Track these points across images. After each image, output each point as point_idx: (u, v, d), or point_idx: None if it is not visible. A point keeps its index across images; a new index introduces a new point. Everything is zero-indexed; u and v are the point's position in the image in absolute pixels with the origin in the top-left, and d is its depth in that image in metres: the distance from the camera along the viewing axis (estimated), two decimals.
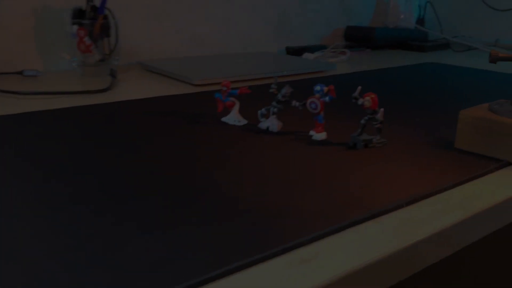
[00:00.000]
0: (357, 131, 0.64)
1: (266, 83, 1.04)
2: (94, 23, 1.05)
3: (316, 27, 1.60)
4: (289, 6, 1.51)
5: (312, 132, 0.68)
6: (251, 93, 0.94)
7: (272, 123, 0.70)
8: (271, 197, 0.47)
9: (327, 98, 0.66)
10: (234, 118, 0.73)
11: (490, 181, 0.54)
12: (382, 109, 0.61)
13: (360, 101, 0.62)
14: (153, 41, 1.26)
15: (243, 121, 0.73)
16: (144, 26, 1.24)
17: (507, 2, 1.42)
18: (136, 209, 0.44)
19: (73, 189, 0.48)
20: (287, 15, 1.51)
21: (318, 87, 0.66)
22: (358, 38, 1.59)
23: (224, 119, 0.75)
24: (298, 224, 0.42)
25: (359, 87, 0.62)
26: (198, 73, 1.06)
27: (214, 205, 0.45)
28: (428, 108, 0.85)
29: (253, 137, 0.67)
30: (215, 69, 1.13)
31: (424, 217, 0.45)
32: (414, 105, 0.88)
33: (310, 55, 1.41)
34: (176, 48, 1.30)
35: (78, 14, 1.05)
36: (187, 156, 0.59)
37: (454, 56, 1.49)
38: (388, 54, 1.54)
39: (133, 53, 1.24)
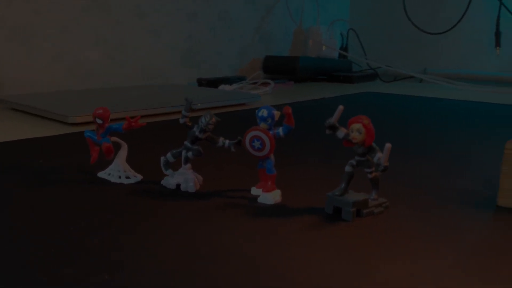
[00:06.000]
0: (338, 188, 0.35)
1: (176, 118, 0.73)
2: None
3: (231, 56, 1.33)
4: (197, 32, 1.23)
5: (256, 191, 0.39)
6: (151, 130, 0.62)
7: (185, 178, 0.39)
8: None
9: (280, 131, 0.37)
10: (118, 171, 0.41)
11: None
12: (388, 145, 0.33)
13: (340, 133, 0.34)
14: (21, 71, 0.90)
15: (135, 177, 0.42)
16: (7, 50, 0.88)
17: (437, 25, 1.27)
18: None
19: None
20: (196, 41, 1.23)
21: (264, 112, 0.37)
22: (279, 68, 1.35)
23: (101, 174, 0.42)
24: None
25: (341, 107, 0.34)
26: (78, 108, 0.73)
27: None
28: (402, 146, 0.60)
29: (149, 205, 0.36)
30: (103, 103, 0.80)
31: None
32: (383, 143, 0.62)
33: (227, 87, 1.13)
34: (53, 81, 0.95)
35: None
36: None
37: (384, 86, 1.30)
38: (315, 86, 1.31)
39: None
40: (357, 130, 0.33)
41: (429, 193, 0.40)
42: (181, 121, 0.39)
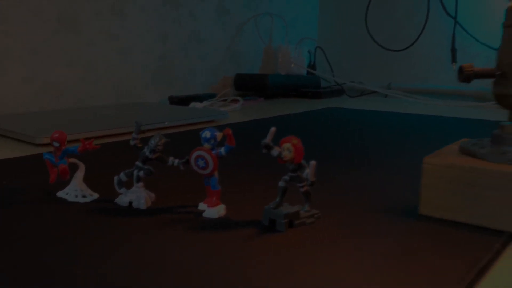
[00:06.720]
0: (274, 201, 0.38)
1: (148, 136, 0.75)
2: None
3: (203, 74, 1.37)
4: (169, 52, 1.26)
5: (203, 206, 0.42)
6: (111, 151, 0.65)
7: (137, 196, 0.42)
8: None
9: (222, 150, 0.40)
10: (75, 191, 0.44)
11: (507, 276, 0.31)
12: (313, 162, 0.36)
13: (274, 152, 0.38)
14: None
15: (91, 196, 0.44)
16: None
17: (398, 43, 1.33)
18: None
19: None
20: (168, 60, 1.26)
21: (207, 133, 0.40)
22: (249, 86, 1.39)
23: (60, 193, 0.45)
24: None
25: (273, 129, 0.37)
26: (46, 129, 0.75)
27: None
28: (352, 159, 0.64)
29: (102, 222, 0.38)
30: (71, 124, 0.82)
31: None
32: (333, 157, 0.66)
33: (198, 105, 1.17)
34: (24, 102, 0.97)
35: None
36: None
37: (350, 101, 1.35)
38: (283, 102, 1.35)
39: None
40: (287, 149, 0.36)
41: (363, 203, 0.43)
42: (132, 142, 0.42)
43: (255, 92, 1.38)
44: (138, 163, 0.42)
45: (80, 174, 0.44)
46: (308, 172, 0.36)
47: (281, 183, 0.38)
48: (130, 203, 0.42)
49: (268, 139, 0.37)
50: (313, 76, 1.49)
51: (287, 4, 1.58)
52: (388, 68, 1.46)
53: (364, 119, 1.02)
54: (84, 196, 0.44)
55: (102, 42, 1.10)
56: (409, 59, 1.39)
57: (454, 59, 1.12)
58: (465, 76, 0.36)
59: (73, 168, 0.45)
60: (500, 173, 0.34)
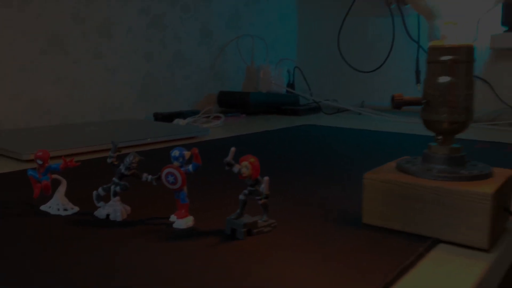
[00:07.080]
0: (235, 213, 0.43)
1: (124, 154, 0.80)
2: None
3: (187, 92, 1.42)
4: (154, 71, 1.31)
5: (173, 218, 0.46)
6: (90, 168, 0.69)
7: (114, 209, 0.46)
8: None
9: (190, 167, 0.45)
10: (57, 204, 0.48)
11: (426, 274, 0.36)
12: (266, 178, 0.41)
13: (235, 169, 0.42)
14: None
15: (72, 209, 0.49)
16: None
17: (370, 64, 1.40)
18: None
19: None
20: (154, 79, 1.31)
21: (176, 152, 0.45)
22: (232, 103, 1.44)
23: (43, 207, 0.49)
24: None
25: (233, 149, 0.42)
26: (33, 145, 0.79)
27: None
28: (317, 173, 0.69)
29: (80, 233, 0.42)
30: (57, 140, 0.86)
31: None
32: (300, 171, 0.71)
33: (181, 121, 1.21)
34: (12, 118, 1.01)
35: None
36: None
37: (326, 118, 1.41)
38: (263, 118, 1.41)
39: None
40: (245, 166, 0.41)
41: (320, 214, 0.48)
42: (109, 160, 0.46)
43: (238, 109, 1.44)
44: (114, 179, 0.46)
45: (62, 189, 0.49)
46: (263, 186, 0.41)
47: (241, 197, 0.43)
48: (108, 215, 0.46)
49: (229, 158, 0.42)
50: (292, 94, 1.55)
51: (267, 26, 1.65)
52: (361, 87, 1.53)
53: (339, 135, 1.07)
54: (65, 209, 0.48)
55: (89, 61, 1.14)
56: (380, 80, 1.46)
57: (418, 80, 1.18)
58: (396, 103, 0.41)
59: (56, 184, 0.49)
60: (425, 187, 0.39)
